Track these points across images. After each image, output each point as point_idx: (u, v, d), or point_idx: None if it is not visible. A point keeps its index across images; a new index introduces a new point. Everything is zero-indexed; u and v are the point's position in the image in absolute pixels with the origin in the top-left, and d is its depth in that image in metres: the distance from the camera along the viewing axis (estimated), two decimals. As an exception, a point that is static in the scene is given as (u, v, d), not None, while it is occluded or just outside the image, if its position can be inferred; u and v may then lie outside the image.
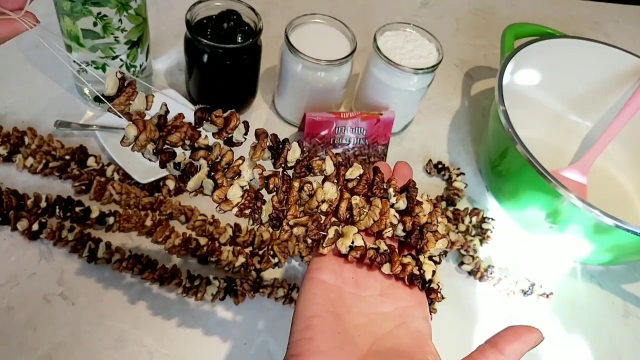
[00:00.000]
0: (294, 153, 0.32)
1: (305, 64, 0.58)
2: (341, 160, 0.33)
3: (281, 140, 0.32)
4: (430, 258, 0.34)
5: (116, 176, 0.55)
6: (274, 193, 0.31)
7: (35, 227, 0.50)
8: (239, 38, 0.57)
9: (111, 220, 0.52)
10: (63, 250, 0.50)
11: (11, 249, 0.50)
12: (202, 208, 0.55)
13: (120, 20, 0.52)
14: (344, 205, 0.32)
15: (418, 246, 0.34)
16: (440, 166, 0.66)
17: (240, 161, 0.31)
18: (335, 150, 0.61)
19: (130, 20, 0.53)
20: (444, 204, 0.62)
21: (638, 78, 0.69)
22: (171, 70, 0.69)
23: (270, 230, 0.32)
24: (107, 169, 0.55)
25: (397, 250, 0.34)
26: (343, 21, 0.62)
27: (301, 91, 0.62)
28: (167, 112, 0.30)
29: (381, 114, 0.61)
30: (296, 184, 0.32)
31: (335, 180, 0.33)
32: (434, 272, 0.33)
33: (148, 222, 0.52)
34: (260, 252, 0.53)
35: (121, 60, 0.56)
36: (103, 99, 0.29)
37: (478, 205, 0.64)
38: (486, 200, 0.65)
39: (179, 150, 0.30)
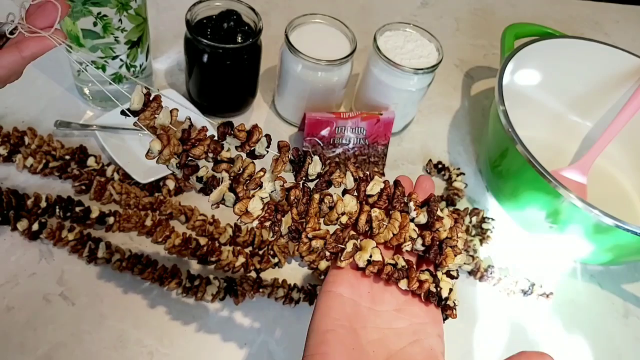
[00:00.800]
0: (315, 166, 0.32)
1: (305, 64, 0.58)
2: (362, 175, 0.33)
3: (303, 153, 0.32)
4: (447, 273, 0.34)
5: (116, 176, 0.55)
6: (294, 205, 0.32)
7: (35, 227, 0.50)
8: (239, 38, 0.57)
9: (111, 220, 0.52)
10: (63, 250, 0.50)
11: (11, 249, 0.50)
12: (202, 208, 0.55)
13: (120, 20, 0.52)
14: (363, 217, 0.33)
15: (437, 261, 0.33)
16: (440, 166, 0.66)
17: (261, 173, 0.31)
18: (335, 150, 0.61)
19: (130, 20, 0.53)
20: (443, 203, 0.62)
21: (638, 78, 0.69)
22: (171, 70, 0.69)
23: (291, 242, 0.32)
24: (107, 169, 0.55)
25: (415, 265, 0.33)
26: (343, 21, 0.62)
27: (301, 91, 0.62)
28: (191, 125, 0.30)
29: (381, 114, 0.61)
30: (316, 196, 0.32)
31: (356, 193, 0.33)
32: (450, 289, 0.33)
33: (148, 222, 0.52)
34: (260, 252, 0.53)
35: (121, 60, 0.56)
36: (129, 113, 0.29)
37: (478, 205, 0.64)
38: (486, 200, 0.65)
39: (202, 161, 0.31)
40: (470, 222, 0.60)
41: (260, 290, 0.51)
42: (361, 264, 0.32)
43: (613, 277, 0.62)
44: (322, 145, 0.61)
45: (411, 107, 0.66)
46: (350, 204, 0.33)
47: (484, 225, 0.60)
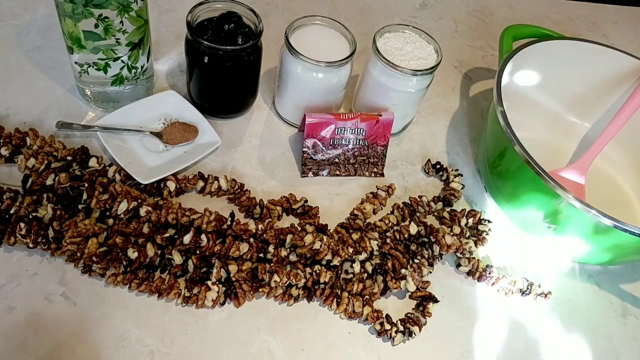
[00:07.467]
0: None
1: (305, 66, 0.59)
2: None
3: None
4: None
5: (117, 177, 0.55)
6: None
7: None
8: (240, 40, 0.57)
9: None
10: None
11: (13, 249, 0.50)
12: (200, 208, 0.55)
13: (121, 22, 0.52)
14: None
15: None
16: (438, 166, 0.66)
17: None
18: (334, 151, 0.62)
19: (132, 22, 0.53)
20: (440, 204, 0.62)
21: (636, 79, 0.69)
22: (172, 71, 0.69)
23: None
24: (108, 170, 0.55)
25: None
26: (343, 23, 0.62)
27: (301, 92, 0.62)
28: None
29: (380, 115, 0.61)
30: None
31: None
32: None
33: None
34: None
35: (122, 61, 0.56)
36: None
37: (477, 206, 0.64)
38: (485, 201, 0.66)
39: None
40: (467, 223, 0.60)
41: (260, 290, 0.51)
42: None
43: (611, 277, 0.63)
44: (322, 146, 0.61)
45: (410, 108, 0.67)
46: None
47: (480, 227, 0.60)
